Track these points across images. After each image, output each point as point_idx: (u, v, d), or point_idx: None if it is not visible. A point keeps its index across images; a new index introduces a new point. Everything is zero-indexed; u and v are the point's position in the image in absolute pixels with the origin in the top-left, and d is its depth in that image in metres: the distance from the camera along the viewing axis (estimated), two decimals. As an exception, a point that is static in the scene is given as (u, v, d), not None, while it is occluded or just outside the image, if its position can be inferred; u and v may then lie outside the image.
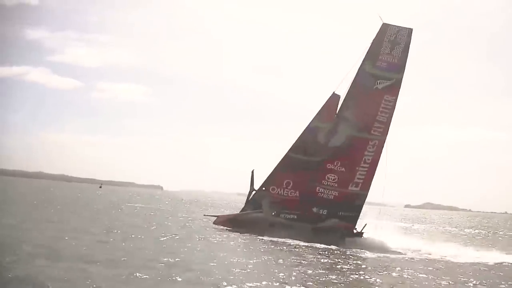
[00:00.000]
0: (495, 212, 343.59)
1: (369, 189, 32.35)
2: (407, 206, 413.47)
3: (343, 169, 32.04)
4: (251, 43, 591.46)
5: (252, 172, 33.64)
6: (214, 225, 34.07)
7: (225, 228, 33.03)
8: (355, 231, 31.84)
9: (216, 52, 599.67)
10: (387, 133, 32.11)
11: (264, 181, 33.13)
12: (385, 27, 32.25)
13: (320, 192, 32.05)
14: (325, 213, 32.04)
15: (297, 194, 32.48)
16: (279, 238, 29.85)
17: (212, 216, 36.29)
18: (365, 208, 32.31)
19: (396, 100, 32.16)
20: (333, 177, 32.05)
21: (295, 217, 31.88)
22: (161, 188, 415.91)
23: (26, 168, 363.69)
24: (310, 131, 32.56)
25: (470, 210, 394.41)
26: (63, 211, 41.36)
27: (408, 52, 32.29)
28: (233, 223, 33.14)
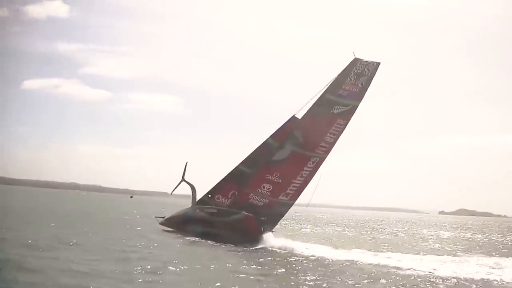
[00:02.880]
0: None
1: (296, 199, 34.21)
2: (441, 212, 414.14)
3: (280, 180, 33.75)
4: (283, 56, 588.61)
5: (186, 164, 35.82)
6: (160, 225, 36.36)
7: (166, 228, 35.42)
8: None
9: (248, 64, 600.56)
10: (329, 152, 33.88)
11: (212, 189, 35.10)
12: (355, 61, 33.78)
13: (252, 198, 33.75)
14: None
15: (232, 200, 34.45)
16: (196, 236, 31.80)
17: (160, 217, 38.30)
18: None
19: (347, 123, 33.81)
20: (268, 187, 33.77)
21: (215, 211, 33.57)
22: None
23: (61, 179, 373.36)
24: (262, 147, 34.48)
25: (505, 216, 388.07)
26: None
27: (370, 83, 33.79)
28: (168, 222, 35.81)
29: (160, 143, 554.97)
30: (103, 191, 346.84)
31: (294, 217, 70.33)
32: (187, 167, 35.70)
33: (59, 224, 35.79)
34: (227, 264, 22.48)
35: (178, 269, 20.03)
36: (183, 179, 35.39)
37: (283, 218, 36.08)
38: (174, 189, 35.89)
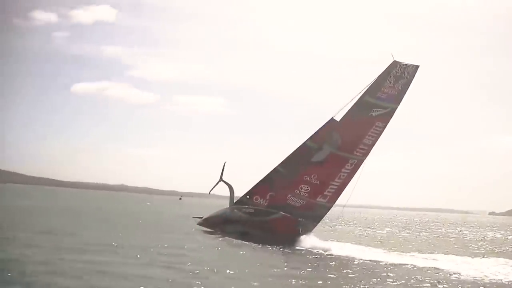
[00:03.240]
0: None
1: (335, 202, 34.09)
2: (491, 213, 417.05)
3: (318, 182, 33.83)
4: (326, 57, 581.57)
5: (224, 164, 35.97)
6: (198, 225, 36.43)
7: (204, 228, 35.58)
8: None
9: (291, 65, 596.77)
10: (368, 154, 33.83)
11: (250, 190, 34.95)
12: (394, 64, 33.82)
13: (290, 199, 33.81)
14: None
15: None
16: (234, 236, 31.98)
17: (198, 218, 38.05)
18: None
19: (386, 126, 33.79)
20: (306, 188, 33.88)
21: (253, 211, 33.73)
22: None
23: (109, 181, 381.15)
24: (301, 149, 34.37)
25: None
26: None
27: (409, 86, 33.79)
28: (206, 223, 35.89)
29: (206, 144, 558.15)
30: (151, 192, 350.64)
31: (341, 218, 69.69)
32: (225, 167, 35.92)
33: (106, 226, 36.27)
34: (275, 269, 21.55)
35: (225, 274, 19.38)
36: (221, 179, 35.61)
37: (323, 219, 35.91)
38: (212, 189, 36.05)
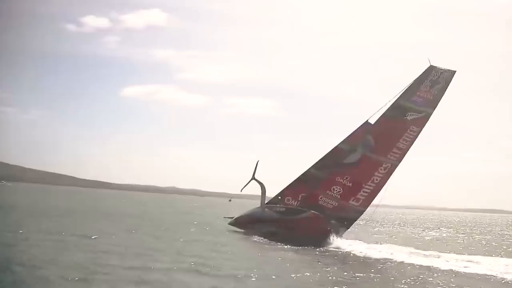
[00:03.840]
0: None
1: (367, 206, 33.76)
2: None
3: (350, 184, 33.60)
4: (377, 59, 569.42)
5: (257, 162, 35.98)
6: (229, 225, 36.60)
7: (235, 228, 35.71)
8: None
9: (340, 67, 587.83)
10: (402, 159, 33.59)
11: (282, 190, 35.31)
12: (430, 68, 33.93)
13: (322, 200, 33.61)
14: None
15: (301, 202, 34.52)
16: (265, 235, 31.75)
17: (229, 218, 38.09)
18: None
19: (420, 131, 33.64)
20: (338, 189, 33.64)
21: (284, 209, 33.91)
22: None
23: (160, 184, 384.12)
24: (334, 151, 34.68)
25: None
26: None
27: (445, 91, 33.82)
28: (238, 222, 36.04)
29: (255, 145, 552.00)
30: (201, 194, 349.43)
31: (389, 221, 68.31)
32: (257, 166, 35.84)
33: (142, 229, 35.85)
34: (330, 277, 20.13)
35: (268, 281, 18.66)
36: (253, 178, 35.47)
37: (361, 220, 35.98)
38: (243, 187, 36.00)
